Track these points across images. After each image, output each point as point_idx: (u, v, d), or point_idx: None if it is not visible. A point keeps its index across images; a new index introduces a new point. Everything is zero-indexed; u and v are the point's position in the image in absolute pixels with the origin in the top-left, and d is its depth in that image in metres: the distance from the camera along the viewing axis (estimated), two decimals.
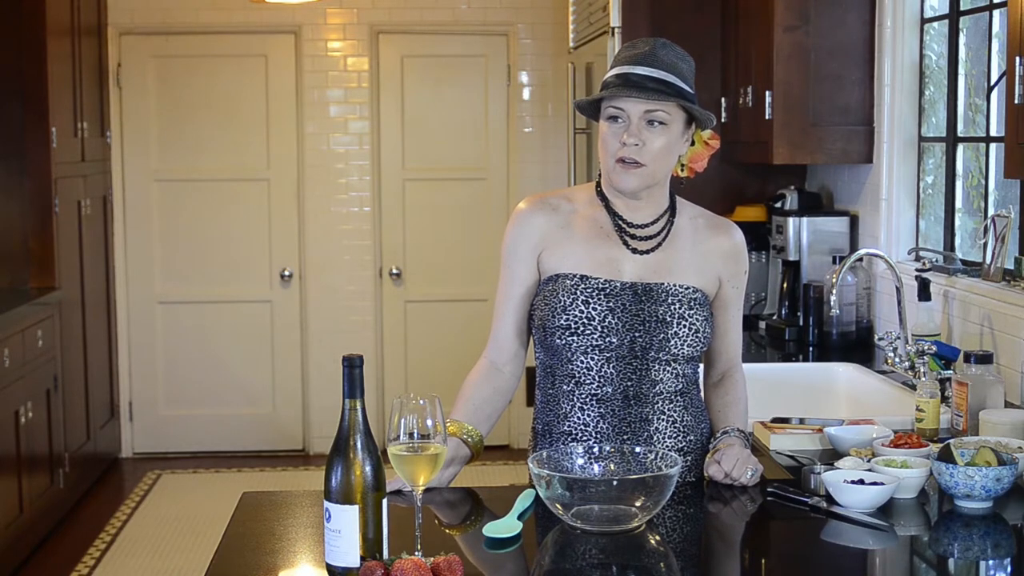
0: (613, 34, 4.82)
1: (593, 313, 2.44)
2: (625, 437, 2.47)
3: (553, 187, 6.59)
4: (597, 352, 2.45)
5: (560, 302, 2.45)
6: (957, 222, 3.96)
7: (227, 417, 6.87)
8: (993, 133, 3.71)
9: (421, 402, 2.05)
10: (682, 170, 2.53)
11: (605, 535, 2.14)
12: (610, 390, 2.46)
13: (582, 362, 2.46)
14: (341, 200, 6.80)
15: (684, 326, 2.44)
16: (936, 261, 3.85)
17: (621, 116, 2.42)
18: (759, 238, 4.78)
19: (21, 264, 5.62)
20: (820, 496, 2.34)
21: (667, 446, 2.49)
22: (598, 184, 2.56)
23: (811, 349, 4.20)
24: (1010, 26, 2.89)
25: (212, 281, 6.83)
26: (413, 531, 2.08)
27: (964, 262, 3.75)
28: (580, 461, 2.30)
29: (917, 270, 3.72)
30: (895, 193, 4.18)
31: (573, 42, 5.83)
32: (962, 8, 3.88)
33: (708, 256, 2.53)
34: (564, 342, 2.46)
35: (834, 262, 4.19)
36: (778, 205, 4.62)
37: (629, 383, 2.46)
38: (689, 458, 2.52)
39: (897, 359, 3.47)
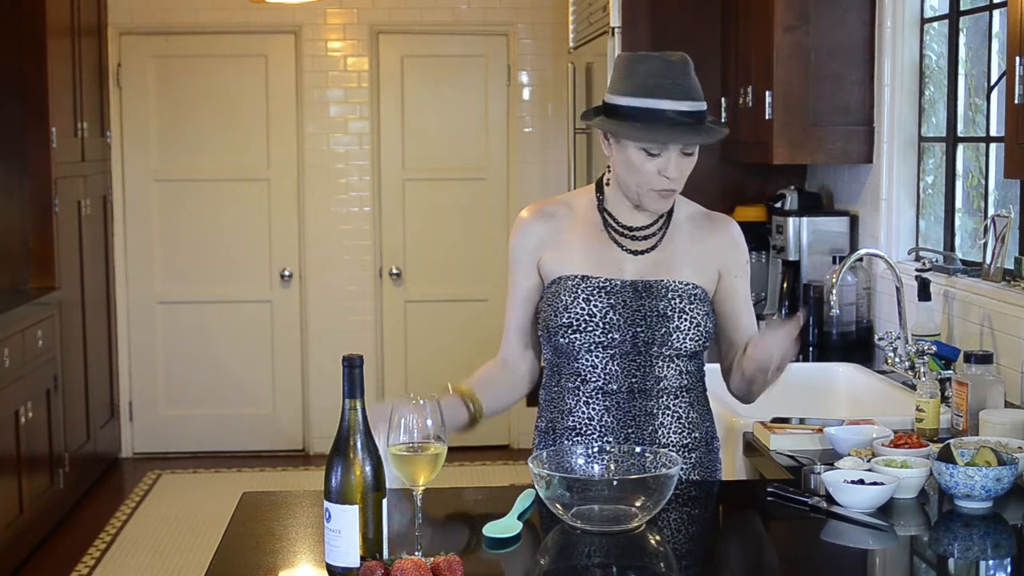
0: (613, 34, 4.82)
1: (594, 310, 2.46)
2: (629, 431, 2.48)
3: (553, 187, 6.60)
4: (601, 349, 2.47)
5: (562, 301, 2.48)
6: (957, 222, 3.95)
7: (227, 417, 6.87)
8: (993, 133, 3.71)
9: (421, 402, 2.05)
10: None
11: (605, 535, 2.14)
12: (615, 386, 2.48)
13: (587, 359, 2.48)
14: (341, 200, 6.80)
15: (685, 320, 2.46)
16: (936, 261, 3.85)
17: (661, 150, 2.43)
18: (759, 238, 4.78)
19: (21, 264, 5.62)
20: (820, 496, 2.34)
21: (671, 442, 2.50)
22: (598, 187, 2.57)
23: (811, 349, 4.20)
24: (1010, 26, 2.89)
25: (212, 281, 6.83)
26: (413, 531, 2.09)
27: (964, 262, 3.75)
28: (580, 461, 2.30)
29: (917, 270, 3.72)
30: (895, 193, 4.18)
31: (573, 42, 5.83)
32: (962, 8, 3.88)
33: (706, 252, 2.55)
34: (568, 340, 2.48)
35: (834, 262, 4.19)
36: (778, 205, 4.63)
37: (634, 379, 2.48)
38: (694, 455, 2.53)
39: (897, 359, 3.47)
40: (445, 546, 2.09)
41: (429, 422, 2.05)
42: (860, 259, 4.10)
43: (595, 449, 2.33)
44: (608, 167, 2.53)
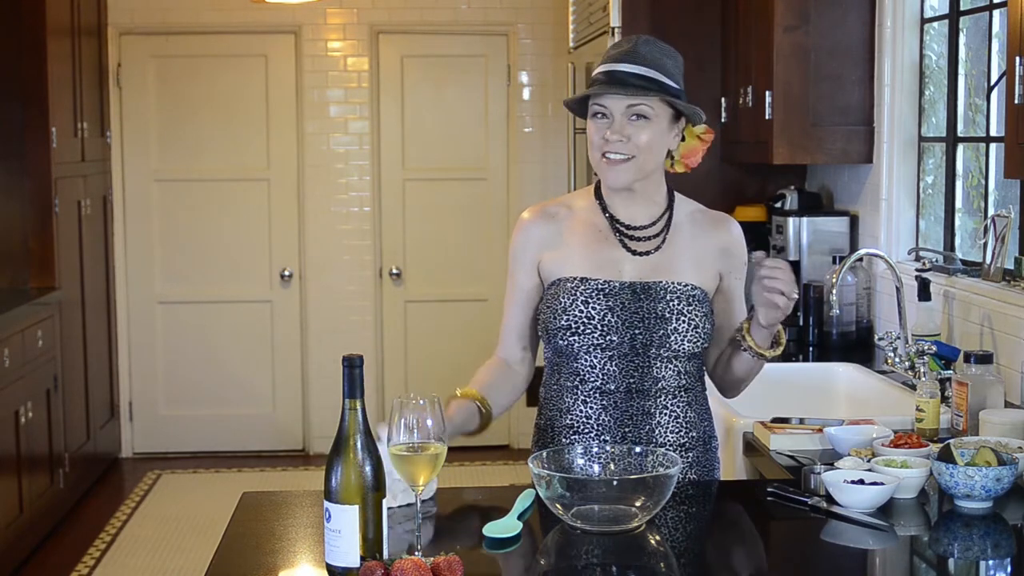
0: (613, 34, 4.82)
1: (593, 312, 2.46)
2: (627, 431, 2.48)
3: (553, 187, 6.60)
4: (599, 351, 2.47)
5: (560, 304, 2.48)
6: (957, 222, 3.96)
7: (227, 417, 6.88)
8: (993, 133, 3.71)
9: (421, 402, 2.05)
10: (672, 165, 2.55)
11: (605, 535, 2.14)
12: (613, 386, 2.48)
13: (585, 360, 2.49)
14: (341, 200, 6.80)
15: (683, 322, 2.46)
16: (936, 261, 3.85)
17: (605, 113, 2.46)
18: (759, 238, 4.78)
19: (21, 264, 5.62)
20: (820, 496, 2.34)
21: (669, 441, 2.50)
22: (597, 186, 2.57)
23: (811, 349, 4.20)
24: (1010, 26, 2.89)
25: (212, 281, 6.83)
26: (413, 531, 2.09)
27: (964, 262, 3.75)
28: (580, 461, 2.30)
29: (917, 270, 3.72)
30: (895, 193, 4.18)
31: (573, 42, 5.83)
32: (962, 8, 3.88)
33: (706, 252, 2.55)
34: (566, 342, 2.48)
35: (834, 262, 4.20)
36: (778, 205, 4.63)
37: (632, 379, 2.48)
38: (691, 455, 2.53)
39: (897, 359, 3.47)
40: (445, 546, 2.09)
41: (429, 422, 2.05)
42: (860, 259, 4.10)
43: (595, 449, 2.33)
44: None
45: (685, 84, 2.52)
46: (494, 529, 2.16)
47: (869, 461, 2.49)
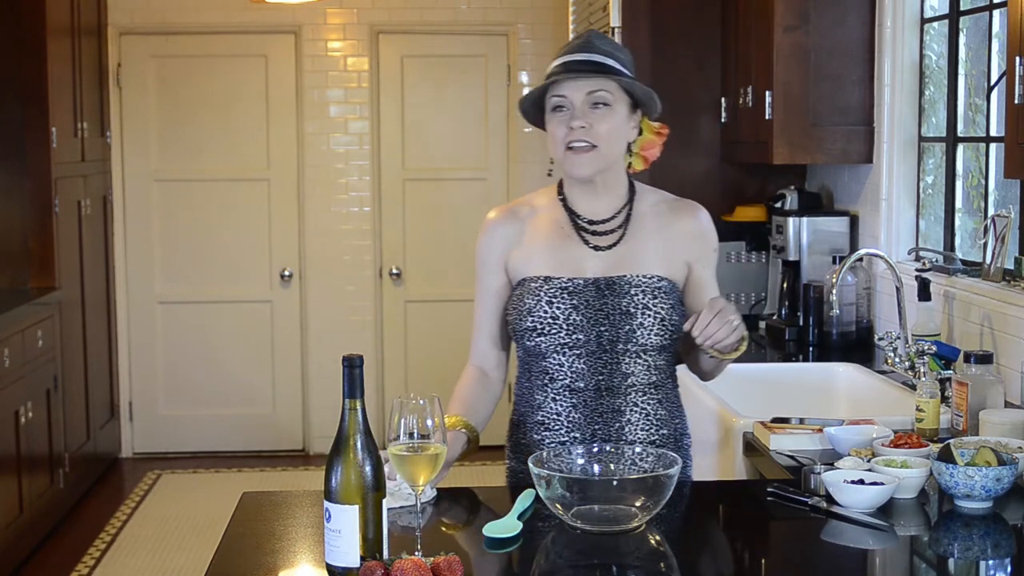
0: (613, 34, 4.82)
1: (557, 312, 2.46)
2: (596, 428, 2.49)
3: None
4: (567, 349, 2.47)
5: (525, 304, 2.48)
6: (957, 222, 3.95)
7: (227, 417, 6.87)
8: (993, 133, 3.71)
9: (421, 402, 2.05)
10: (631, 164, 2.55)
11: (605, 535, 2.14)
12: (582, 384, 2.49)
13: (554, 359, 2.49)
14: (341, 200, 6.80)
15: (649, 316, 2.45)
16: (936, 261, 3.85)
17: (565, 104, 2.47)
18: (759, 238, 4.78)
19: (21, 264, 5.62)
20: (820, 496, 2.34)
21: (639, 438, 2.50)
22: (560, 184, 2.58)
23: (811, 349, 4.20)
24: (1010, 26, 2.89)
25: (212, 281, 6.83)
26: (413, 531, 2.08)
27: (964, 262, 3.75)
28: (580, 461, 2.30)
29: (917, 270, 3.72)
30: (895, 193, 4.18)
31: None
32: (962, 8, 3.88)
33: (673, 241, 2.54)
34: (533, 343, 2.49)
35: (834, 262, 4.19)
36: (778, 205, 4.62)
37: (601, 377, 2.48)
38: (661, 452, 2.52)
39: (897, 359, 3.47)
40: (445, 546, 2.09)
41: (429, 422, 2.05)
42: (860, 259, 4.10)
43: (595, 449, 2.33)
44: None
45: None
46: (494, 529, 2.16)
47: (869, 461, 2.49)
